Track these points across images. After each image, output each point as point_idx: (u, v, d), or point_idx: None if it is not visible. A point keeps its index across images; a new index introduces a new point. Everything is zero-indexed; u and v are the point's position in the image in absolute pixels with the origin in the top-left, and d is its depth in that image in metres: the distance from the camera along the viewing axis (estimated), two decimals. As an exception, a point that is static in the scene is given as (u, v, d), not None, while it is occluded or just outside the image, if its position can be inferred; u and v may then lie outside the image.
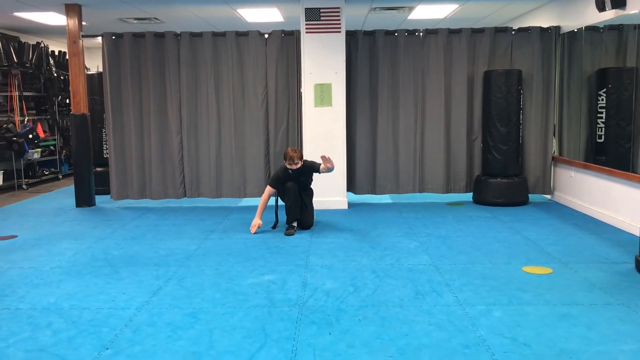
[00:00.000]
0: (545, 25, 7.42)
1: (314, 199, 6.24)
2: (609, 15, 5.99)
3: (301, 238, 5.67)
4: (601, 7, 5.91)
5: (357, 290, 4.09)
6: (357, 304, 3.81)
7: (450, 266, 4.65)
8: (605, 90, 6.27)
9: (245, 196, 7.50)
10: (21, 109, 9.38)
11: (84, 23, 7.84)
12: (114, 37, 7.35)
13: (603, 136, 6.33)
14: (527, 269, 4.54)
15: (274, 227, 6.07)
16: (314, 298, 3.94)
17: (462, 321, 3.50)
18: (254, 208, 7.28)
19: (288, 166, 5.88)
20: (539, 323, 3.45)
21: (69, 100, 8.16)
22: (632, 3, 5.60)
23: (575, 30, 6.86)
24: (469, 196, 7.66)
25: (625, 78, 6.01)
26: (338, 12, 6.93)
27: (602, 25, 6.30)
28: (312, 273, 4.51)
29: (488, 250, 5.12)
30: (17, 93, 9.21)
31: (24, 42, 9.50)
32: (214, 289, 4.16)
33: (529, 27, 7.36)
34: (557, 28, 7.29)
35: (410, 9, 8.18)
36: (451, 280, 4.29)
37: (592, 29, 6.51)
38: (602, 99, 6.29)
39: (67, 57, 8.23)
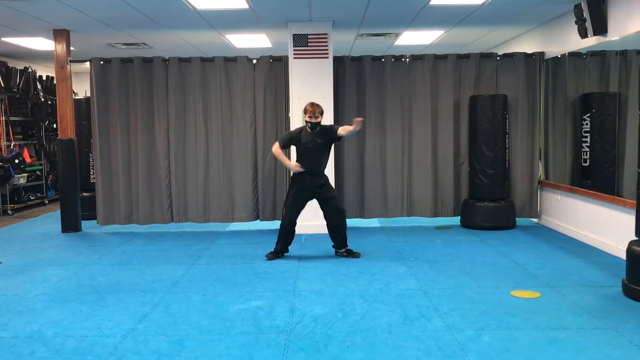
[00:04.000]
0: (529, 51, 7.54)
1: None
2: (591, 41, 6.10)
3: (289, 263, 5.64)
4: (583, 34, 6.03)
5: (346, 315, 4.07)
6: (346, 330, 3.78)
7: (438, 291, 4.63)
8: (589, 114, 6.36)
9: (233, 220, 7.47)
10: (7, 133, 9.32)
11: (72, 48, 7.85)
12: (102, 62, 7.36)
13: (588, 160, 6.40)
14: (516, 293, 4.54)
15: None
16: (302, 324, 3.90)
17: (451, 347, 3.48)
18: (242, 233, 7.30)
19: (308, 119, 5.52)
20: (528, 348, 3.44)
21: (56, 125, 8.13)
22: (613, 30, 5.72)
23: (559, 56, 6.98)
24: (456, 220, 7.67)
25: (608, 103, 6.11)
26: (325, 38, 7.00)
27: (584, 51, 6.41)
28: (300, 299, 4.48)
29: (476, 274, 5.12)
30: (3, 118, 9.17)
31: (12, 67, 9.48)
32: (201, 316, 4.11)
33: (513, 52, 7.48)
34: (541, 54, 7.41)
35: (397, 35, 8.29)
36: (440, 305, 4.28)
37: (575, 55, 6.63)
38: (587, 124, 6.38)
39: (54, 81, 8.22)
